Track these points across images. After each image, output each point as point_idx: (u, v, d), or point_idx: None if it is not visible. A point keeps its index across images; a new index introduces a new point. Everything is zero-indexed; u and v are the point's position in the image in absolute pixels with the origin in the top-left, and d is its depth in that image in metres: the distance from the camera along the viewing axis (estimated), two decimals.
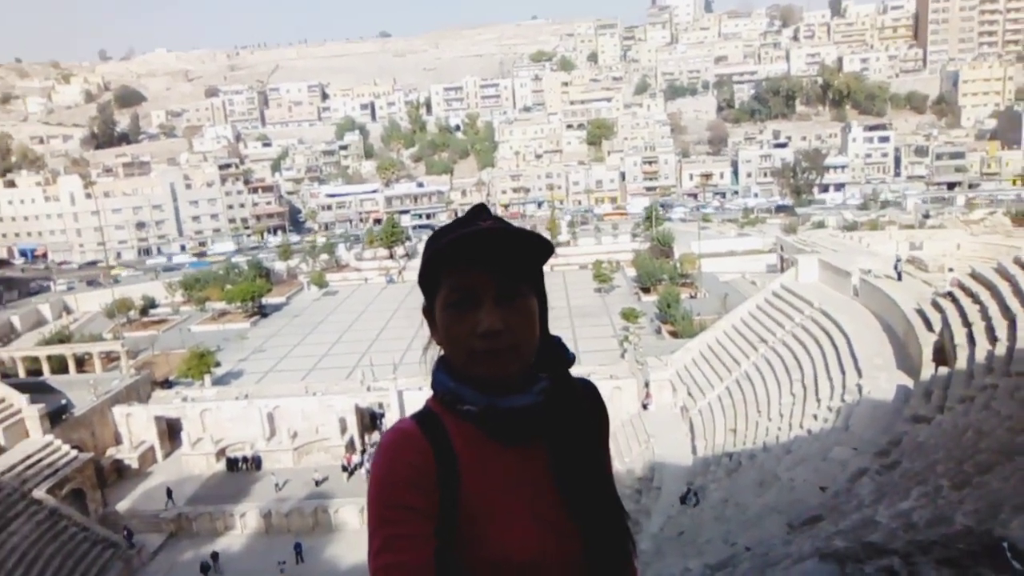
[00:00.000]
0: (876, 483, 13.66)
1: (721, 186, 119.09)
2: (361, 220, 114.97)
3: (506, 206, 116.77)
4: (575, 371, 1.72)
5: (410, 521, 1.42)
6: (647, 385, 37.52)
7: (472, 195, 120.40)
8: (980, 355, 18.77)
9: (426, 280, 1.56)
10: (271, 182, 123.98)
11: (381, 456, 1.50)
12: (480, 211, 1.56)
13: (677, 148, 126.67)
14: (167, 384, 47.42)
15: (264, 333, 61.61)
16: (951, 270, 31.36)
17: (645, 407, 36.70)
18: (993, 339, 19.01)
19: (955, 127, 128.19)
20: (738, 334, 36.29)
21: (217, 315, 67.33)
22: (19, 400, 37.27)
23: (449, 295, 1.51)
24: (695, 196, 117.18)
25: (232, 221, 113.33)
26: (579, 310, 59.05)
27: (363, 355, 51.35)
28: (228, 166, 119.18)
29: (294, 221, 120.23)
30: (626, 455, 32.91)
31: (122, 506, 36.04)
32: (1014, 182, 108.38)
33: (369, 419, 41.92)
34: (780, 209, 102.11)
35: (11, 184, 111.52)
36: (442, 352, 1.60)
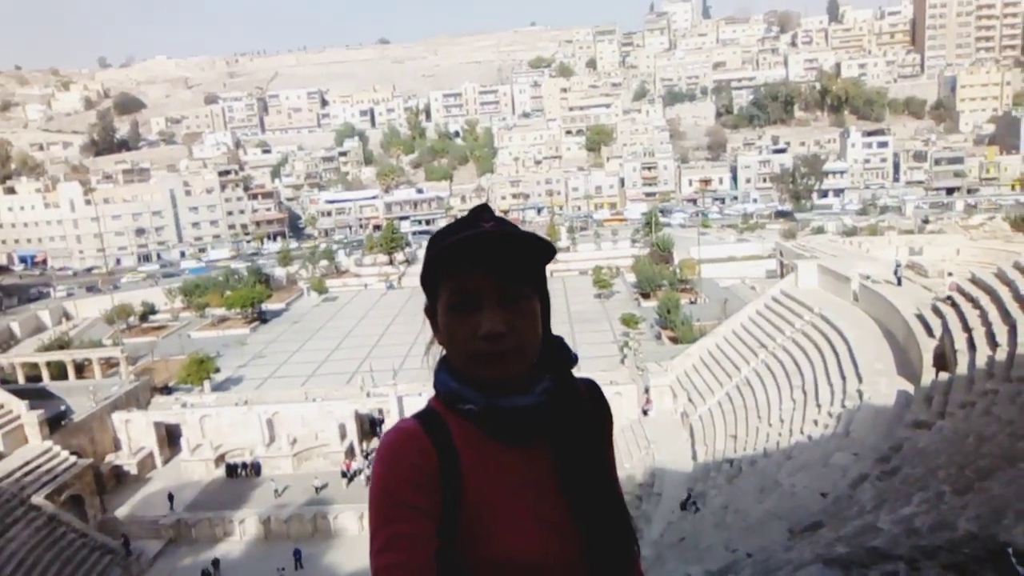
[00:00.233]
0: (877, 489, 13.63)
1: (720, 192, 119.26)
2: (361, 226, 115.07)
3: (506, 212, 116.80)
4: (577, 373, 1.71)
5: (412, 520, 1.41)
6: (647, 391, 37.48)
7: (472, 201, 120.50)
8: (981, 360, 18.77)
9: (428, 281, 1.56)
10: (271, 188, 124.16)
11: (383, 455, 1.49)
12: (482, 212, 1.55)
13: (676, 154, 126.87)
14: (166, 390, 47.34)
15: (264, 339, 61.56)
16: (950, 274, 31.37)
17: (645, 413, 36.66)
18: (994, 344, 19.00)
19: (953, 132, 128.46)
20: (738, 339, 36.27)
21: (217, 321, 67.30)
22: (18, 406, 37.20)
23: (451, 297, 1.51)
24: (694, 202, 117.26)
25: (232, 227, 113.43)
26: (579, 316, 59.06)
27: (363, 361, 51.30)
28: (228, 172, 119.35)
29: (294, 227, 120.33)
30: (626, 461, 32.84)
31: (121, 512, 35.97)
32: (1013, 187, 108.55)
33: (369, 425, 41.87)
34: (779, 215, 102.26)
35: (11, 191, 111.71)
36: (444, 352, 1.60)
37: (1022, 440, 10.47)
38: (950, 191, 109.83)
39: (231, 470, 38.90)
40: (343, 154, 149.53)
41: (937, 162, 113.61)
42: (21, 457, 35.00)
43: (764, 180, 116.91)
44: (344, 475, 37.07)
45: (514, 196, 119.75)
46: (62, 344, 56.65)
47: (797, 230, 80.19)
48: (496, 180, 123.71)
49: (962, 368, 19.28)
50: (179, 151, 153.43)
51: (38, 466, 34.81)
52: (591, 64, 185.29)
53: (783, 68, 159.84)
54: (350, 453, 38.86)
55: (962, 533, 4.66)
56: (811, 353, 29.08)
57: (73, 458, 36.35)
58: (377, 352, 54.34)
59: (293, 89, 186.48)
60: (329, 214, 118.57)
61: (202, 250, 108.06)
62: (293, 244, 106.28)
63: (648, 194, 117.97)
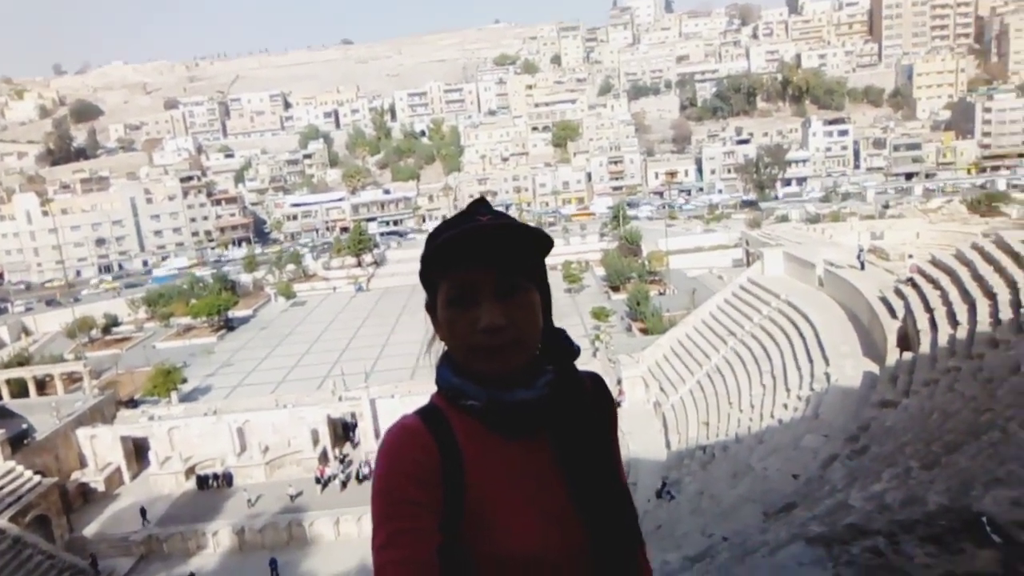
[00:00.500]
0: (847, 468, 13.77)
1: (686, 183, 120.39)
2: (328, 229, 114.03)
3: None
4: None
5: (414, 516, 1.40)
6: (620, 382, 37.60)
7: (439, 200, 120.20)
8: (942, 339, 19.09)
9: (427, 277, 1.55)
10: (234, 193, 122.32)
11: (385, 452, 1.48)
12: (479, 205, 1.54)
13: (642, 147, 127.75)
14: (132, 403, 46.34)
15: (231, 347, 60.64)
16: (911, 257, 31.95)
17: (618, 404, 36.76)
18: (954, 323, 19.34)
19: (911, 119, 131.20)
20: (707, 328, 36.57)
21: (182, 330, 66.15)
22: None
23: (449, 291, 1.50)
24: (661, 194, 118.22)
25: (195, 234, 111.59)
26: None
27: (334, 365, 50.81)
28: (190, 179, 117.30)
29: (259, 232, 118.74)
30: None
31: (89, 530, 35.10)
32: (969, 171, 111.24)
33: (342, 429, 41.43)
34: (745, 204, 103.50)
35: None
36: (446, 347, 1.58)
37: (985, 414, 10.61)
38: (909, 176, 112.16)
39: (202, 482, 38.17)
40: (308, 156, 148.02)
41: (896, 148, 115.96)
42: None
43: (729, 171, 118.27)
44: (318, 481, 36.60)
45: (482, 194, 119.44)
46: (22, 360, 55.11)
47: (762, 219, 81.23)
48: (463, 178, 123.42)
49: (925, 347, 19.60)
50: (139, 158, 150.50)
51: (1, 487, 33.81)
52: (556, 60, 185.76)
53: (745, 60, 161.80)
54: (324, 459, 38.39)
55: (933, 506, 4.68)
56: (779, 338, 29.40)
57: (37, 477, 35.33)
58: (348, 355, 53.87)
59: (255, 92, 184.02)
60: (295, 218, 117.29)
61: (165, 258, 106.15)
62: (259, 249, 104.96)
63: (615, 188, 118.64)
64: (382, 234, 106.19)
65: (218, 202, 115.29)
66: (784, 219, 77.46)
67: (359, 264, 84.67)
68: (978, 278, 20.57)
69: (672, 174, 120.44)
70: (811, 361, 25.42)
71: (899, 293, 24.76)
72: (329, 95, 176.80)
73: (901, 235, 44.55)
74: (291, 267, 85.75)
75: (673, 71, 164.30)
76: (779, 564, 4.14)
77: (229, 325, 66.47)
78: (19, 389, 45.60)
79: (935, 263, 24.74)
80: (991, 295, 18.82)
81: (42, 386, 47.02)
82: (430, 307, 1.57)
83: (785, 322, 30.30)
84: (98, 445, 39.66)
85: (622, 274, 64.16)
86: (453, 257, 1.47)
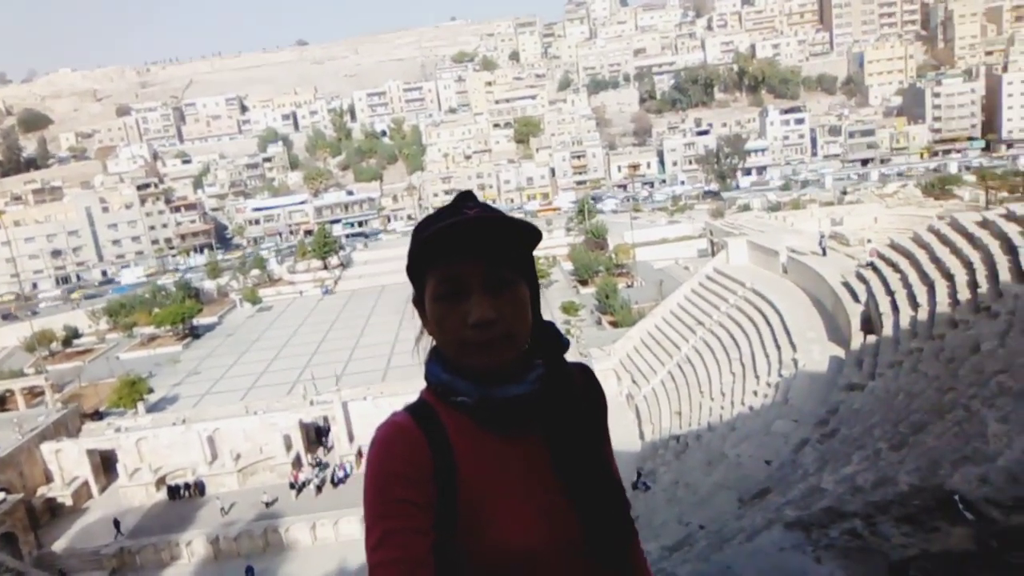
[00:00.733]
0: (818, 452, 14.11)
1: (649, 176, 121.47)
2: (291, 232, 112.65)
3: (427, 216, 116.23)
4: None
5: (406, 515, 1.39)
6: None
7: (403, 200, 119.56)
8: (904, 321, 19.64)
9: (414, 271, 1.52)
10: (194, 200, 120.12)
11: (375, 450, 1.47)
12: (465, 198, 1.52)
13: (604, 141, 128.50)
14: (98, 416, 45.37)
15: (198, 355, 59.67)
16: (870, 242, 32.75)
17: None
18: (915, 305, 19.91)
19: (864, 106, 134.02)
20: (676, 319, 37.03)
21: (146, 340, 64.89)
22: None
23: (437, 286, 1.47)
24: (624, 187, 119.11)
25: (155, 242, 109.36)
26: None
27: (304, 369, 50.31)
28: (147, 186, 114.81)
29: (221, 238, 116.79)
30: None
31: (58, 546, 34.30)
32: (921, 155, 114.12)
33: (315, 434, 41.09)
34: (707, 195, 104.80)
35: None
36: (435, 342, 1.57)
37: (948, 393, 10.98)
38: (864, 162, 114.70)
39: (173, 492, 37.53)
40: (267, 160, 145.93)
41: (851, 135, 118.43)
42: None
43: (690, 162, 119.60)
44: (293, 486, 36.27)
45: (446, 192, 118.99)
46: None
47: (725, 209, 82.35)
48: (427, 177, 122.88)
49: (888, 330, 20.14)
50: (93, 167, 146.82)
51: None
52: (514, 56, 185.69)
53: (701, 52, 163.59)
54: (297, 464, 38.04)
55: (905, 487, 4.86)
56: (746, 326, 29.91)
57: (2, 494, 34.43)
58: (318, 359, 53.40)
59: (210, 96, 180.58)
60: (257, 222, 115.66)
61: (125, 267, 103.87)
62: (221, 255, 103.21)
63: (579, 182, 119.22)
64: (347, 236, 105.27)
65: (177, 209, 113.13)
66: (746, 208, 78.61)
67: (325, 267, 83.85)
68: (936, 260, 21.18)
69: (635, 167, 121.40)
70: (779, 347, 25.92)
71: (861, 277, 25.39)
72: (286, 97, 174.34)
73: (860, 220, 45.56)
74: (256, 272, 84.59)
75: (631, 64, 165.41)
76: (758, 550, 4.25)
77: (194, 333, 65.38)
78: None
79: (894, 247, 25.41)
80: (949, 276, 19.40)
81: (2, 402, 45.80)
82: (417, 302, 1.56)
83: (752, 310, 30.83)
84: (64, 459, 38.77)
85: (590, 268, 64.57)
86: (441, 251, 1.46)
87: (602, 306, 53.34)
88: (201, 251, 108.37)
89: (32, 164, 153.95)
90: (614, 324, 49.67)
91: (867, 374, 18.44)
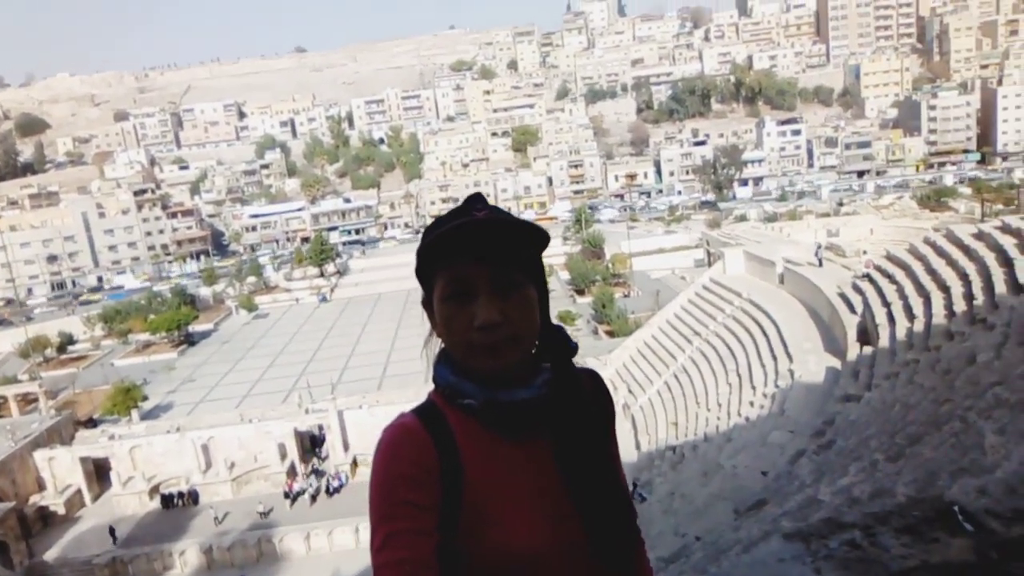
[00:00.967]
0: (815, 463, 14.09)
1: (646, 186, 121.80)
2: (288, 239, 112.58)
3: (437, 216, 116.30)
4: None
5: (411, 517, 1.39)
6: None
7: (401, 208, 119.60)
8: (900, 332, 19.66)
9: (423, 273, 1.53)
10: (191, 206, 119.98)
11: (382, 451, 1.47)
12: (475, 201, 1.51)
13: (601, 151, 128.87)
14: (91, 423, 45.15)
15: (193, 362, 59.47)
16: (865, 253, 32.85)
17: None
18: (911, 316, 19.94)
19: (860, 118, 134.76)
20: (672, 329, 37.03)
21: (141, 347, 64.66)
22: None
23: (445, 288, 1.47)
24: (621, 197, 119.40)
25: (151, 248, 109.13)
26: None
27: (299, 377, 50.17)
28: (143, 192, 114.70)
29: (218, 244, 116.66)
30: None
31: (50, 555, 34.04)
32: (917, 167, 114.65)
33: (310, 443, 40.91)
34: (704, 205, 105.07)
35: None
36: (443, 345, 1.56)
37: (944, 405, 10.98)
38: (860, 174, 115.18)
39: (167, 501, 37.30)
40: (265, 167, 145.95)
41: (847, 147, 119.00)
42: None
43: (687, 172, 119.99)
44: (287, 496, 36.07)
45: (443, 200, 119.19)
46: None
47: (721, 219, 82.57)
48: (424, 185, 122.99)
49: (884, 341, 20.16)
50: (90, 172, 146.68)
51: None
52: (512, 65, 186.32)
53: (698, 62, 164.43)
54: (292, 473, 37.84)
55: (902, 498, 4.85)
56: (743, 337, 29.93)
57: None
58: (313, 367, 53.25)
59: (208, 102, 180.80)
60: (254, 229, 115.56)
61: (120, 273, 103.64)
62: (217, 262, 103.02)
63: (576, 192, 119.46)
64: (344, 243, 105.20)
65: (174, 215, 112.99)
66: (743, 219, 78.85)
67: (322, 274, 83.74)
68: (931, 272, 21.24)
69: (632, 176, 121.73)
70: (775, 358, 25.92)
71: (857, 289, 25.44)
72: (285, 104, 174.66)
73: (856, 232, 45.71)
74: (252, 279, 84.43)
75: (628, 74, 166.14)
76: (758, 561, 4.23)
77: (190, 340, 65.17)
78: None
79: (890, 258, 25.48)
80: (945, 288, 19.45)
81: None
82: (426, 303, 1.55)
83: (748, 320, 30.86)
84: (57, 467, 38.51)
85: (586, 277, 64.62)
86: (449, 252, 1.46)
87: (599, 316, 53.36)
88: (197, 258, 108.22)
89: (29, 169, 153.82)
90: (611, 334, 49.67)
91: (863, 385, 18.44)
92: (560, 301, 62.78)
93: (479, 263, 1.45)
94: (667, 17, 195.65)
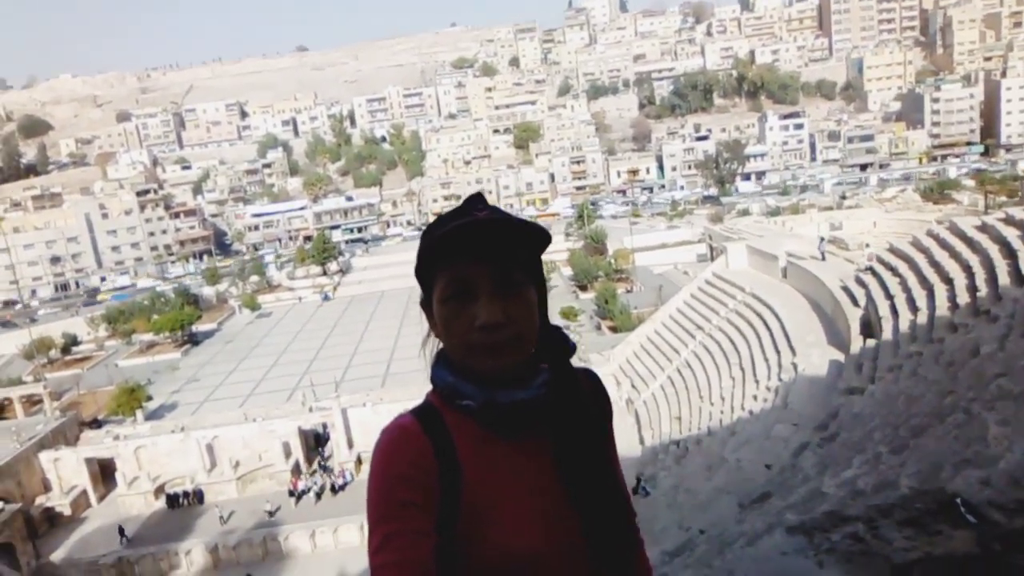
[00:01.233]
0: (818, 456, 14.05)
1: (648, 181, 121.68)
2: (291, 238, 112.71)
3: (438, 215, 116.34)
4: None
5: (409, 518, 1.39)
6: None
7: (403, 205, 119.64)
8: (904, 325, 19.59)
9: (422, 273, 1.52)
10: (193, 206, 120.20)
11: (380, 452, 1.47)
12: (476, 201, 1.50)
13: (603, 147, 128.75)
14: (96, 424, 45.26)
15: (196, 362, 59.60)
16: (867, 246, 32.73)
17: None
18: (914, 309, 19.86)
19: (863, 111, 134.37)
20: (675, 324, 36.99)
21: (145, 347, 64.82)
22: None
23: (446, 288, 1.47)
24: (624, 192, 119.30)
25: (155, 248, 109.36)
26: None
27: (303, 376, 50.25)
28: (146, 192, 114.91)
29: (221, 244, 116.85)
30: None
31: (57, 556, 34.17)
32: (920, 160, 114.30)
33: (314, 441, 40.98)
34: (707, 200, 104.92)
35: None
36: (441, 345, 1.56)
37: (948, 397, 10.94)
38: (863, 167, 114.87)
39: (172, 500, 37.40)
40: (267, 166, 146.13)
41: (850, 140, 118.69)
42: None
43: (689, 167, 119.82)
44: (292, 494, 36.15)
45: (445, 198, 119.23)
46: None
47: (724, 214, 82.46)
48: (427, 183, 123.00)
49: (887, 334, 20.09)
50: (92, 173, 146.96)
51: None
52: (514, 62, 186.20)
53: (700, 57, 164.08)
54: (296, 471, 37.92)
55: (906, 490, 4.81)
56: (746, 331, 29.87)
57: (0, 504, 34.37)
58: (317, 365, 53.33)
59: (210, 102, 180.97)
60: (257, 228, 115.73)
61: (124, 274, 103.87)
62: (221, 261, 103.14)
63: (579, 188, 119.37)
64: (347, 242, 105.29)
65: (177, 215, 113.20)
66: (745, 213, 78.72)
67: (324, 273, 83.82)
68: (935, 264, 21.15)
69: (634, 172, 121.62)
70: (778, 352, 25.87)
71: (860, 282, 25.35)
72: (286, 103, 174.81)
73: (859, 225, 45.58)
74: (255, 278, 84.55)
75: (630, 70, 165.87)
76: (761, 555, 4.20)
77: (193, 340, 65.31)
78: None
79: (893, 251, 25.38)
80: (948, 280, 19.37)
81: (1, 410, 45.62)
82: (425, 304, 1.55)
83: (751, 314, 30.79)
84: (62, 468, 38.62)
85: (589, 273, 64.59)
86: (450, 252, 1.45)
87: (601, 311, 53.33)
88: (200, 257, 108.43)
89: (32, 170, 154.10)
90: (614, 329, 49.64)
91: (867, 378, 18.38)
92: (563, 297, 62.73)
93: (480, 263, 1.44)
94: (669, 12, 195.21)
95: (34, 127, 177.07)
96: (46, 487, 38.58)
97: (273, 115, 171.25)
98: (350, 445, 37.78)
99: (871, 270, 25.51)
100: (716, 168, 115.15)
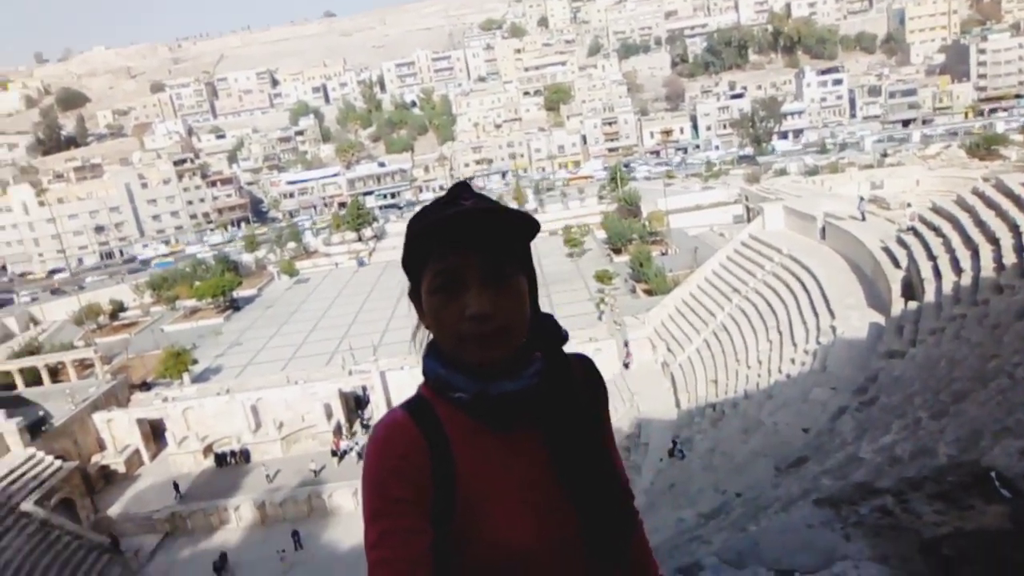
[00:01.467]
0: (857, 420, 14.12)
1: (682, 141, 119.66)
2: (325, 205, 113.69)
3: (471, 178, 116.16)
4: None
5: (404, 514, 1.39)
6: (626, 344, 38.01)
7: (435, 170, 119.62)
8: (947, 287, 19.32)
9: (410, 264, 1.52)
10: (229, 174, 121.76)
11: (372, 448, 1.47)
12: (461, 189, 1.48)
13: (635, 107, 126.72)
14: (145, 386, 46.90)
15: (239, 327, 61.03)
16: (909, 205, 32.06)
17: (626, 366, 37.22)
18: (958, 270, 19.55)
19: (905, 65, 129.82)
20: (711, 286, 36.81)
21: (189, 313, 66.50)
22: None
23: (434, 279, 1.46)
24: (657, 153, 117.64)
25: (193, 216, 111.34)
26: (553, 276, 59.37)
27: (341, 340, 51.20)
28: (183, 161, 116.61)
29: (257, 211, 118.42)
30: (612, 415, 33.39)
31: (113, 511, 35.85)
32: (966, 115, 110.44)
33: (354, 403, 42.03)
34: (742, 159, 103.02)
35: None
36: (432, 336, 1.54)
37: (992, 361, 10.90)
38: (906, 123, 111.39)
39: (220, 459, 38.86)
40: (300, 133, 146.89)
41: (891, 95, 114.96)
42: (5, 466, 34.54)
43: (724, 126, 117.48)
44: (334, 454, 37.28)
45: (477, 162, 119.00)
46: (32, 350, 55.55)
47: (760, 174, 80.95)
48: (458, 147, 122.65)
49: (930, 295, 19.84)
50: (130, 143, 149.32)
51: (23, 473, 34.40)
52: (543, 22, 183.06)
53: (734, 12, 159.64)
54: (338, 432, 39.02)
55: (943, 458, 4.89)
56: (783, 293, 29.66)
57: (58, 462, 35.98)
58: (355, 329, 54.25)
59: (242, 71, 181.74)
60: (292, 195, 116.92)
61: (166, 242, 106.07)
62: (258, 228, 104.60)
63: (611, 149, 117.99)
64: (380, 207, 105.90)
65: (213, 184, 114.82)
66: (782, 173, 77.19)
67: (360, 239, 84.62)
68: (980, 223, 20.71)
69: (667, 132, 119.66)
70: (816, 315, 25.69)
71: (901, 242, 24.93)
72: (316, 70, 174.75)
73: (901, 183, 44.57)
74: (292, 245, 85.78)
75: (662, 27, 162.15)
76: (788, 526, 4.23)
77: (235, 305, 66.79)
78: (32, 377, 46.07)
79: (936, 210, 24.86)
80: (994, 240, 18.98)
81: (55, 373, 47.44)
82: (413, 295, 1.53)
83: (788, 276, 30.53)
84: (115, 428, 40.30)
85: (623, 236, 64.25)
86: (438, 242, 1.44)
87: (636, 274, 53.18)
88: (238, 225, 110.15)
89: (72, 142, 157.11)
90: (648, 292, 49.56)
91: (908, 341, 18.24)
92: (597, 260, 62.63)
93: (469, 253, 1.43)
94: None
95: (71, 99, 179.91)
96: (101, 446, 40.33)
97: (303, 82, 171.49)
98: (389, 407, 38.56)
99: (913, 230, 25.06)
100: (752, 127, 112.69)
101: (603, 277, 51.14)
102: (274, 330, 58.36)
